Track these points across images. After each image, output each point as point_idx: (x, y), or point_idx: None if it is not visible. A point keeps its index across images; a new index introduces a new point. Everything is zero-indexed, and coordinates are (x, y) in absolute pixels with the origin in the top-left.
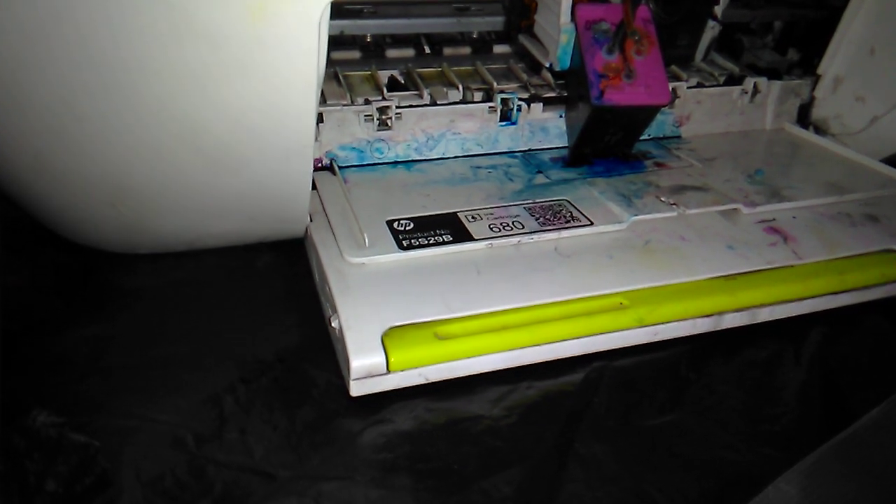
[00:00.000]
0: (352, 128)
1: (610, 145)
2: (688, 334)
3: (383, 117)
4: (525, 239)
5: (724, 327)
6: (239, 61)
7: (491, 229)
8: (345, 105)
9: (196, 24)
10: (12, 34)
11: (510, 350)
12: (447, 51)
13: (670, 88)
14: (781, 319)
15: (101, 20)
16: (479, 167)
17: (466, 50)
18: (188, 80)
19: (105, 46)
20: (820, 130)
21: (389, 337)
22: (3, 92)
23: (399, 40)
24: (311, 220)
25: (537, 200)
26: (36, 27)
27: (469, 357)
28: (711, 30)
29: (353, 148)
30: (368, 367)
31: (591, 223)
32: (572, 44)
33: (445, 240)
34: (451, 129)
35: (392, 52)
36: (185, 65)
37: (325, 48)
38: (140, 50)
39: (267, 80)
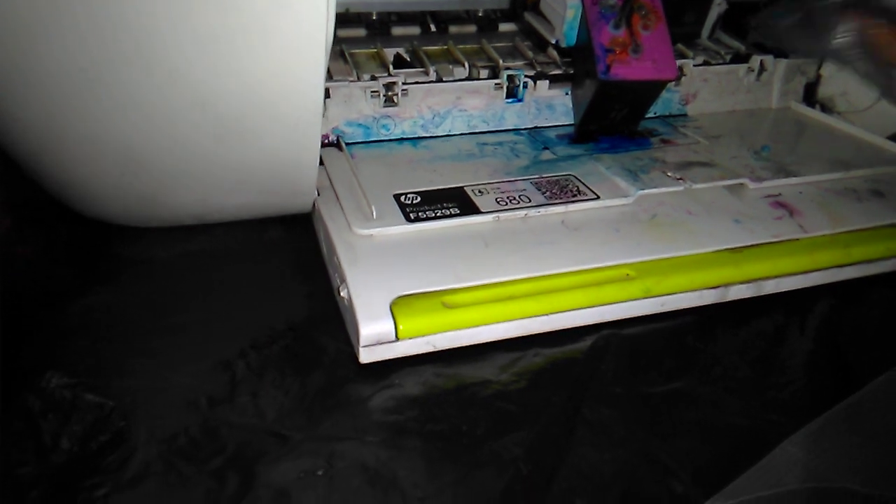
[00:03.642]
0: (358, 104)
1: (616, 122)
2: (694, 305)
3: (390, 94)
4: (532, 212)
5: (730, 299)
6: (249, 27)
7: (498, 203)
8: (351, 81)
9: None
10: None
11: (517, 319)
12: (453, 29)
13: (677, 64)
14: (787, 292)
15: None
16: (485, 144)
17: (472, 28)
18: (200, 46)
19: (121, 11)
20: (826, 108)
21: (398, 305)
22: (20, 58)
23: (404, 18)
24: (318, 195)
25: (544, 175)
26: None
27: (477, 326)
28: (718, 7)
29: (360, 124)
30: (377, 334)
31: (598, 197)
32: (579, 20)
33: (452, 213)
34: (457, 106)
35: (397, 30)
36: (196, 30)
37: (333, 16)
38: (154, 15)
39: (277, 46)
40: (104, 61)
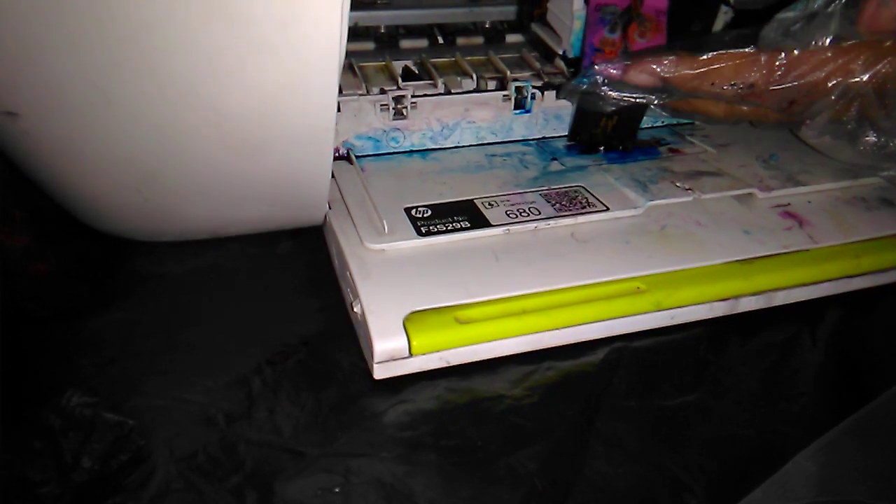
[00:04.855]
0: (367, 117)
1: (608, 133)
2: (705, 318)
3: (399, 107)
4: (542, 225)
5: (740, 311)
6: (264, 41)
7: (508, 215)
8: (361, 95)
9: (223, 4)
10: (44, 14)
11: (530, 334)
12: (460, 41)
13: None
14: (798, 303)
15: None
16: (493, 155)
17: (479, 40)
18: (215, 61)
19: (135, 27)
20: None
21: (411, 321)
22: (34, 73)
23: (412, 31)
24: (329, 208)
25: (553, 187)
26: (68, 7)
27: (489, 341)
28: (724, 15)
29: (369, 137)
30: (391, 350)
31: (607, 209)
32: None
33: (463, 226)
34: (465, 118)
35: (405, 43)
36: (212, 45)
37: (346, 30)
38: (169, 30)
39: (291, 60)
40: (117, 77)
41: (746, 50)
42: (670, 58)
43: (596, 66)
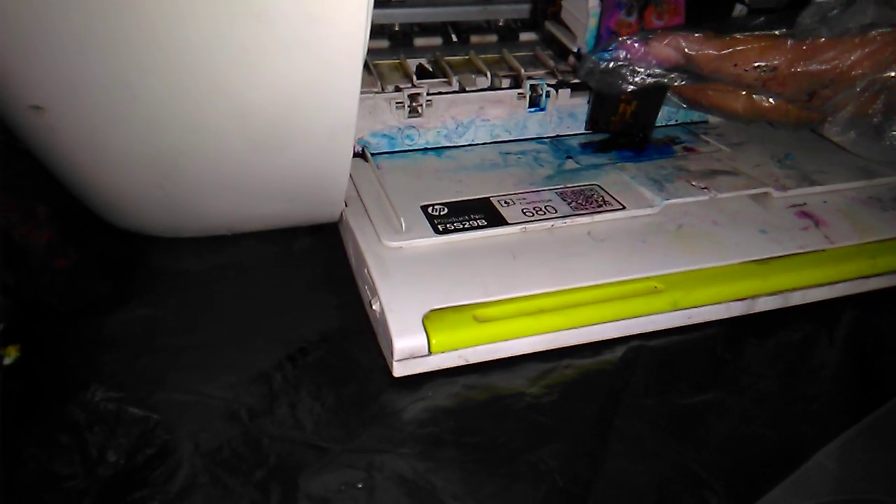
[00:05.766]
0: (383, 115)
1: (626, 119)
2: (721, 318)
3: (414, 104)
4: (558, 223)
5: (757, 310)
6: (289, 38)
7: (524, 213)
8: (376, 93)
9: (251, 2)
10: (72, 10)
11: (548, 333)
12: (474, 39)
13: None
14: (814, 302)
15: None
16: (508, 153)
17: (493, 38)
18: (241, 58)
19: (163, 24)
20: None
21: (430, 320)
22: (61, 68)
23: (426, 29)
24: (346, 206)
25: (568, 185)
26: (96, 4)
27: (507, 339)
28: (739, 13)
29: (385, 135)
30: (411, 349)
31: (624, 207)
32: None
33: (480, 224)
34: (480, 116)
35: (420, 41)
36: (239, 42)
37: (369, 26)
38: (196, 28)
39: (316, 57)
40: (144, 73)
41: (774, 33)
42: (696, 34)
43: (620, 39)
